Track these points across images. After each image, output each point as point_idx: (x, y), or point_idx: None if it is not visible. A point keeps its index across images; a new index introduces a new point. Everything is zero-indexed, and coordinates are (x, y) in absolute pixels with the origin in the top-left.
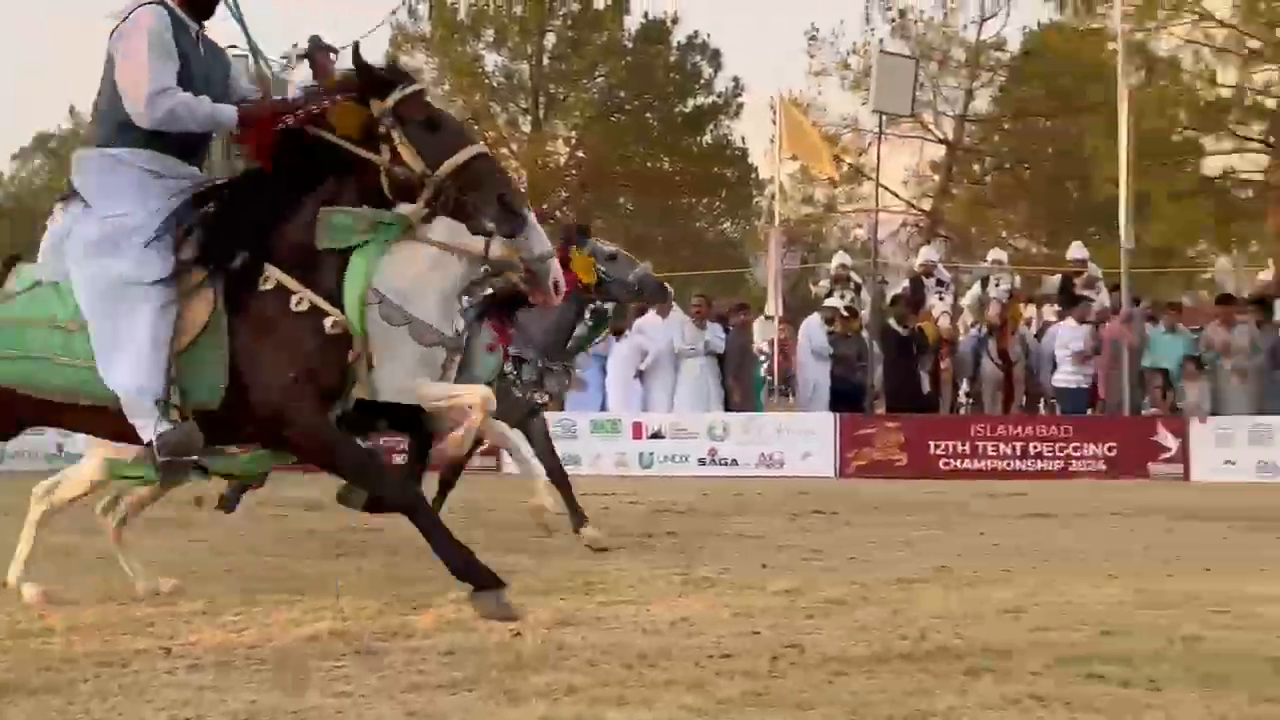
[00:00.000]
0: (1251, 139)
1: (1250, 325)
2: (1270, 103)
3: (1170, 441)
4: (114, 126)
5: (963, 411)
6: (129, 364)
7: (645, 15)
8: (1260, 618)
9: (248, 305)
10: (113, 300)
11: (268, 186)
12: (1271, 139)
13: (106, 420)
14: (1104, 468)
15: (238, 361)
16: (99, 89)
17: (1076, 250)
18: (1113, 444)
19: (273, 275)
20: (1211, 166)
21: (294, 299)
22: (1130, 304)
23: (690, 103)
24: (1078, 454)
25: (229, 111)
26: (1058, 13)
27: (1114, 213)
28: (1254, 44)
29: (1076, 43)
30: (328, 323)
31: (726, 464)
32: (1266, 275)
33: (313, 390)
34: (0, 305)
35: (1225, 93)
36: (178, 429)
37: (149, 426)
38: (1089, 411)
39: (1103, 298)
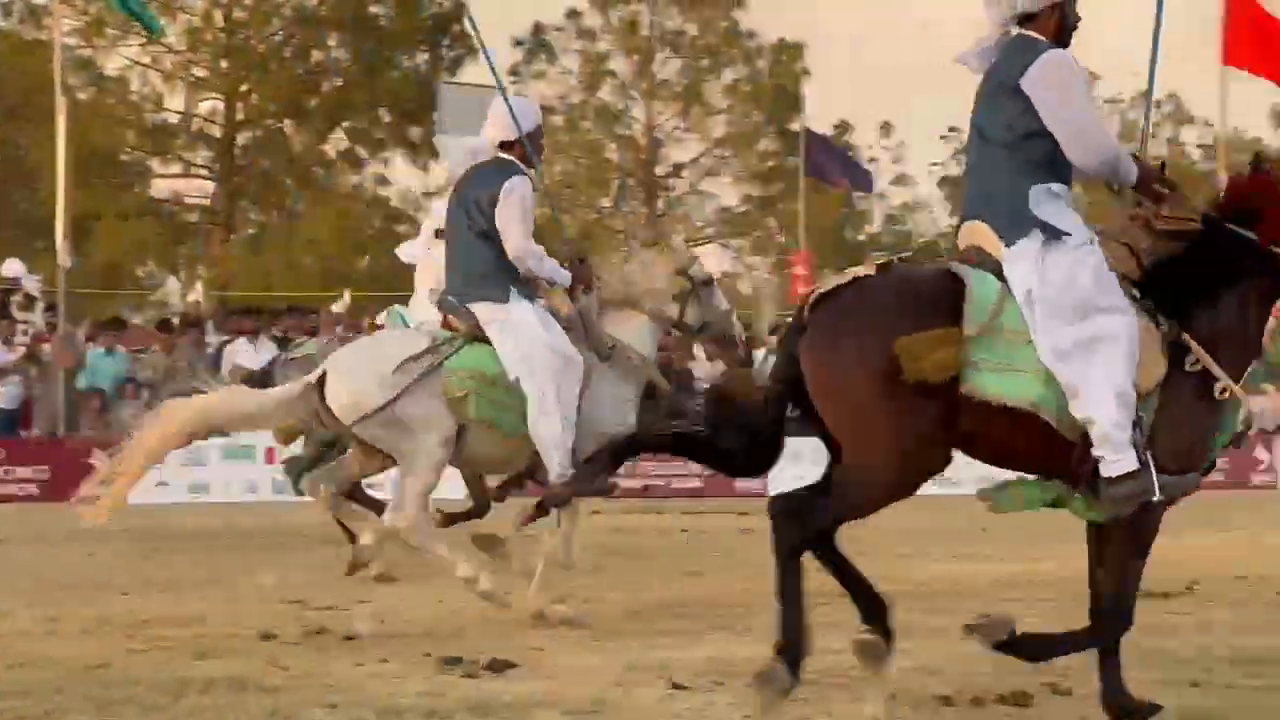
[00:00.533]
0: (198, 165)
1: (189, 346)
2: (216, 130)
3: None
4: (1037, 160)
5: None
6: (1112, 397)
7: None
8: (166, 639)
9: (1173, 376)
10: (1086, 340)
11: (1198, 263)
12: (216, 165)
13: (1044, 442)
14: (37, 491)
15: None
16: (993, 115)
17: (11, 267)
18: (45, 466)
19: (1200, 356)
20: (160, 188)
21: (1217, 386)
22: (68, 323)
23: None
24: (10, 477)
25: (1131, 164)
26: (3, 20)
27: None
28: (201, 73)
29: (22, 52)
30: (1241, 413)
31: None
32: (195, 296)
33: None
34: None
35: (173, 118)
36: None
37: (1119, 462)
38: (22, 434)
39: (36, 316)
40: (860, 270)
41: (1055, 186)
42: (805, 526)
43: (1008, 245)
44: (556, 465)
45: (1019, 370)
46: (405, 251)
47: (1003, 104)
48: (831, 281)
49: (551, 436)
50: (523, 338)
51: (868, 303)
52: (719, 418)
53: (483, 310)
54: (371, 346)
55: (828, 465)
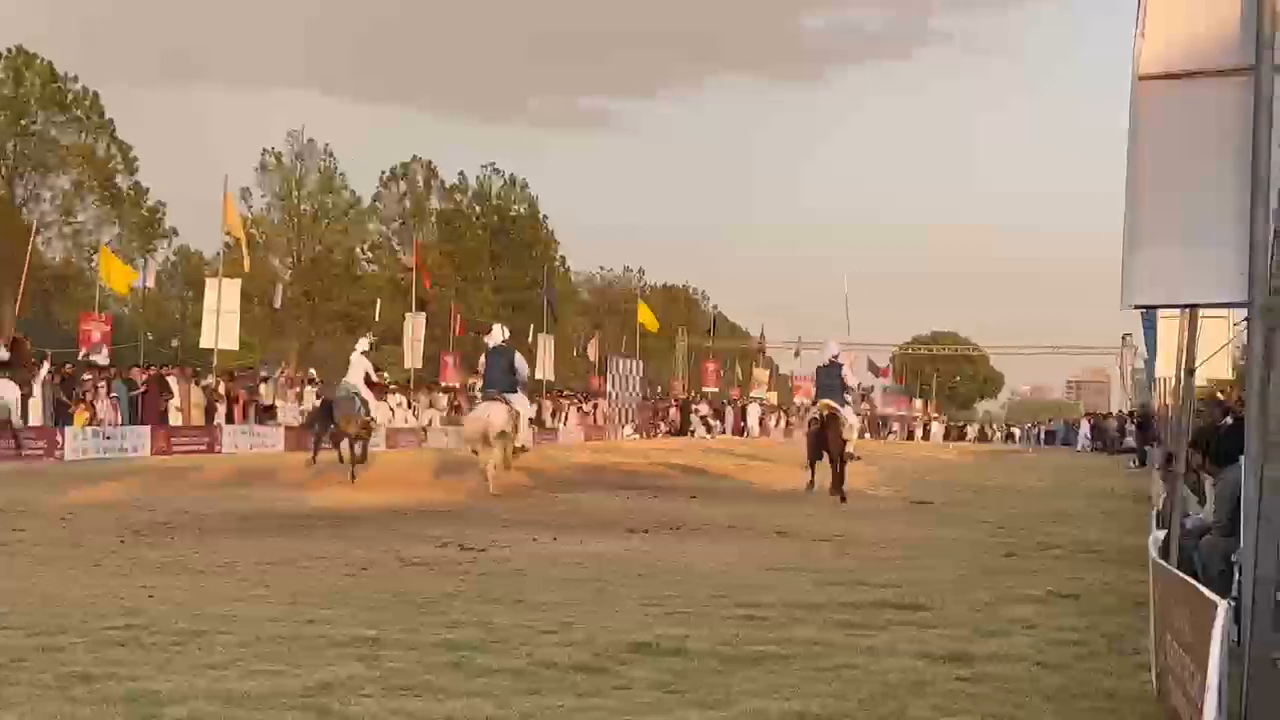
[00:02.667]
0: None
1: None
2: None
3: None
4: (844, 386)
5: None
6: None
7: None
8: None
9: None
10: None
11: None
12: None
13: None
14: None
15: None
16: (831, 379)
17: None
18: None
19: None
20: None
21: None
22: None
23: None
24: None
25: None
26: None
27: None
28: None
29: None
30: None
31: None
32: None
33: None
34: None
35: None
36: None
37: None
38: None
39: None
40: None
41: (849, 395)
42: None
43: (841, 407)
44: (524, 440)
45: None
46: (353, 357)
47: (835, 376)
48: None
49: (526, 429)
50: (520, 401)
51: None
52: None
53: (512, 396)
54: (517, 399)
55: None
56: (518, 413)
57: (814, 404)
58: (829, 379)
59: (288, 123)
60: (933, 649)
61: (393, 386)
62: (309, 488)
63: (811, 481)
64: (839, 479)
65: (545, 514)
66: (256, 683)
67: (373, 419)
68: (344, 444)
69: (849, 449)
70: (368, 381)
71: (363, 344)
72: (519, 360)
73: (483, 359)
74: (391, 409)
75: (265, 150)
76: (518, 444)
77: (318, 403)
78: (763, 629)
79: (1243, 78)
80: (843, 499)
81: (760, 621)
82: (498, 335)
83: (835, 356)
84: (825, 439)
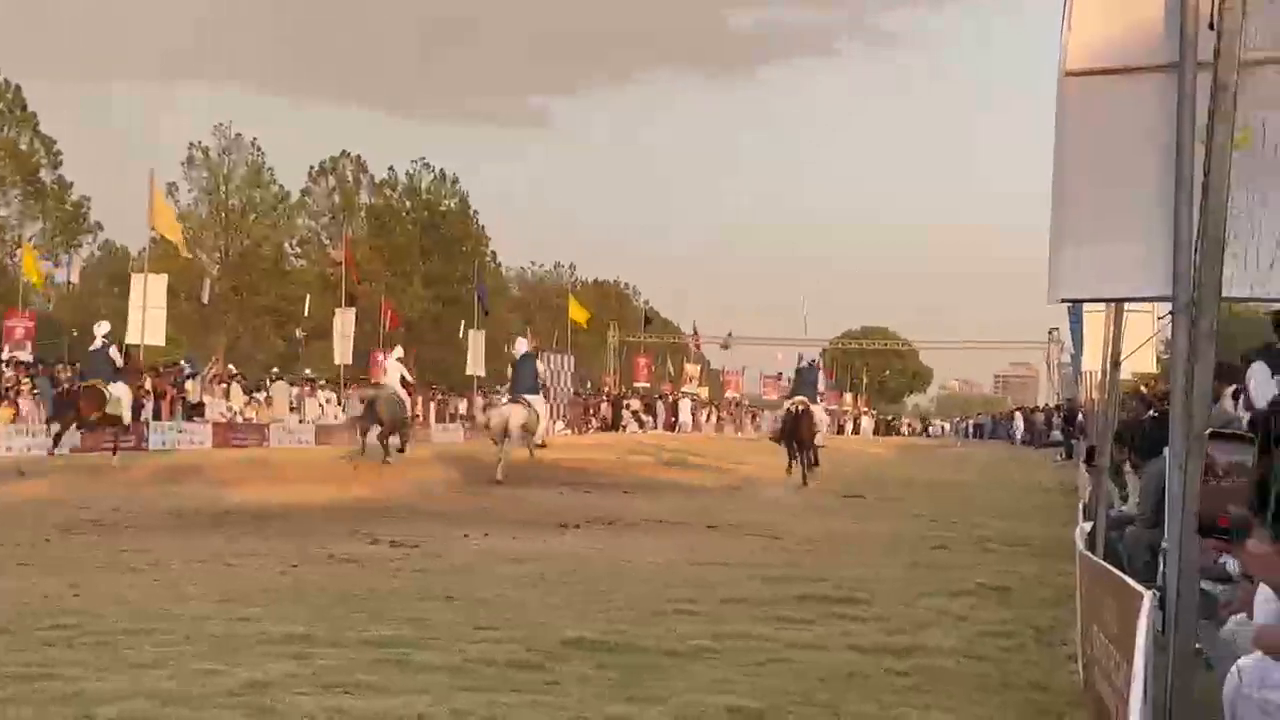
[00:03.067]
0: None
1: None
2: None
3: None
4: (818, 389)
5: None
6: None
7: None
8: None
9: None
10: None
11: None
12: None
13: None
14: None
15: None
16: (808, 379)
17: None
18: None
19: None
20: None
21: None
22: None
23: None
24: None
25: None
26: None
27: None
28: None
29: None
30: None
31: None
32: None
33: None
34: None
35: None
36: None
37: None
38: None
39: None
40: None
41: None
42: None
43: (813, 403)
44: (542, 437)
45: None
46: (389, 363)
47: (812, 379)
48: None
49: (545, 427)
50: (540, 403)
51: None
52: None
53: (531, 396)
54: (537, 401)
55: None
56: (537, 413)
57: (790, 399)
58: (807, 378)
59: (216, 117)
60: (866, 642)
61: (323, 383)
62: (234, 485)
63: (790, 467)
64: (806, 465)
65: (479, 510)
66: (190, 681)
67: (410, 415)
68: (378, 437)
69: (819, 439)
70: (403, 382)
71: (398, 351)
72: (541, 367)
73: (510, 367)
74: (321, 405)
75: (192, 144)
76: (537, 441)
77: (363, 403)
78: (698, 623)
79: (1167, 74)
80: (804, 482)
81: (696, 616)
82: (523, 345)
83: (814, 361)
84: (798, 431)
